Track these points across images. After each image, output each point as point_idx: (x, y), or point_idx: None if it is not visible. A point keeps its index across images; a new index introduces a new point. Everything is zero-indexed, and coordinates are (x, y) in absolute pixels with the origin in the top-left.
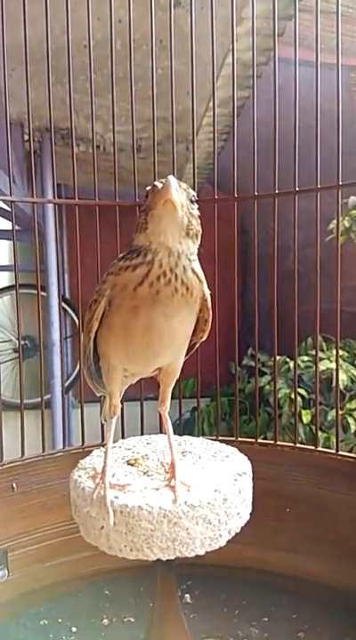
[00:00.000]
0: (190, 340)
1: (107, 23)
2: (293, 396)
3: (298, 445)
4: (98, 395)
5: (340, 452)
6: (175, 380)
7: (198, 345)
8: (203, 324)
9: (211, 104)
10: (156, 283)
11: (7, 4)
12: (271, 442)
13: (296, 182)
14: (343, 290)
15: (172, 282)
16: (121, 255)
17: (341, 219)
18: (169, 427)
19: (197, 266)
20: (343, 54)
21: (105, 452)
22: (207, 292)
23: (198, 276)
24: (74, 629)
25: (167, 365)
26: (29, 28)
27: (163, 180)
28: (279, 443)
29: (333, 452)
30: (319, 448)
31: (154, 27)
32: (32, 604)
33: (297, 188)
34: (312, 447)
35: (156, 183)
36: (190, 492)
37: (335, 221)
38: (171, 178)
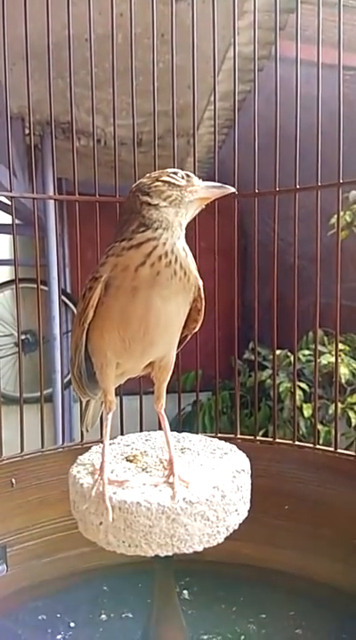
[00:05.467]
0: (182, 333)
1: (108, 17)
2: (293, 390)
3: (297, 443)
4: (84, 400)
5: (338, 450)
6: (170, 376)
7: (189, 337)
8: (196, 313)
9: (212, 98)
10: (157, 263)
11: None
12: (271, 439)
13: (297, 180)
14: (343, 285)
15: (172, 264)
16: (125, 235)
17: (342, 213)
18: (166, 424)
19: (188, 249)
20: (344, 49)
21: (102, 449)
22: (200, 282)
23: (192, 260)
24: (72, 624)
25: (160, 359)
26: (30, 22)
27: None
28: (278, 440)
29: (332, 449)
30: (318, 446)
31: (155, 20)
32: (30, 599)
33: (298, 186)
34: (311, 445)
35: (192, 175)
36: (188, 488)
37: (336, 217)
38: (230, 189)
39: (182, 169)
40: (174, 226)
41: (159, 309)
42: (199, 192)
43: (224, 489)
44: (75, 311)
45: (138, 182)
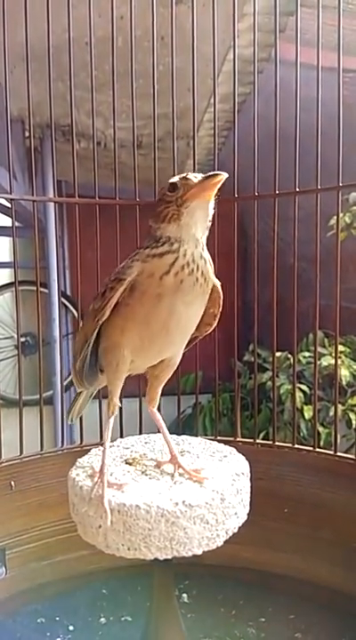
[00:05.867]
0: (192, 334)
1: (108, 20)
2: (293, 392)
3: (297, 446)
4: (78, 390)
5: (338, 453)
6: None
7: (198, 339)
8: (212, 318)
9: (212, 100)
10: (180, 272)
11: (8, 1)
12: (270, 442)
13: (297, 182)
14: (343, 286)
15: (194, 272)
16: (145, 244)
17: (341, 215)
18: (162, 422)
19: (207, 254)
20: (344, 52)
21: (103, 451)
22: (220, 289)
23: (211, 265)
24: (71, 628)
25: (169, 358)
26: (31, 25)
27: (196, 175)
28: (277, 443)
29: (331, 452)
30: (318, 449)
31: (155, 23)
32: (29, 602)
33: (298, 189)
34: (311, 447)
35: (189, 176)
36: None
37: (335, 218)
38: (221, 174)
39: (182, 171)
40: (186, 235)
41: (181, 314)
42: (194, 194)
43: (224, 492)
44: (75, 314)
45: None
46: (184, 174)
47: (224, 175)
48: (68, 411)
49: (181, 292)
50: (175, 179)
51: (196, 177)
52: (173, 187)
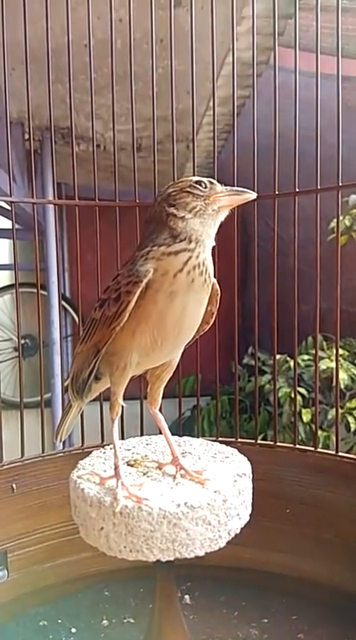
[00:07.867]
0: None
1: (107, 22)
2: (293, 394)
3: (298, 446)
4: (74, 403)
5: (339, 453)
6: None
7: (195, 338)
8: (209, 316)
9: (211, 103)
10: (192, 272)
11: (7, 3)
12: (271, 443)
13: (296, 183)
14: (343, 289)
15: (203, 274)
16: (160, 241)
17: (341, 218)
18: (164, 424)
19: (210, 257)
20: (342, 56)
21: (114, 451)
22: (217, 286)
23: (212, 267)
24: (73, 630)
25: (171, 359)
26: (30, 27)
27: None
28: (278, 444)
29: (332, 452)
30: (319, 449)
31: (154, 26)
32: (32, 605)
33: (297, 189)
34: (312, 448)
35: (214, 182)
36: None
37: (335, 220)
38: (252, 193)
39: (182, 174)
40: (204, 237)
41: (193, 311)
42: (222, 200)
43: (226, 493)
44: (74, 316)
45: (164, 191)
46: (209, 180)
47: (254, 195)
48: (56, 431)
49: (192, 291)
50: (202, 179)
51: (221, 185)
52: (201, 184)
